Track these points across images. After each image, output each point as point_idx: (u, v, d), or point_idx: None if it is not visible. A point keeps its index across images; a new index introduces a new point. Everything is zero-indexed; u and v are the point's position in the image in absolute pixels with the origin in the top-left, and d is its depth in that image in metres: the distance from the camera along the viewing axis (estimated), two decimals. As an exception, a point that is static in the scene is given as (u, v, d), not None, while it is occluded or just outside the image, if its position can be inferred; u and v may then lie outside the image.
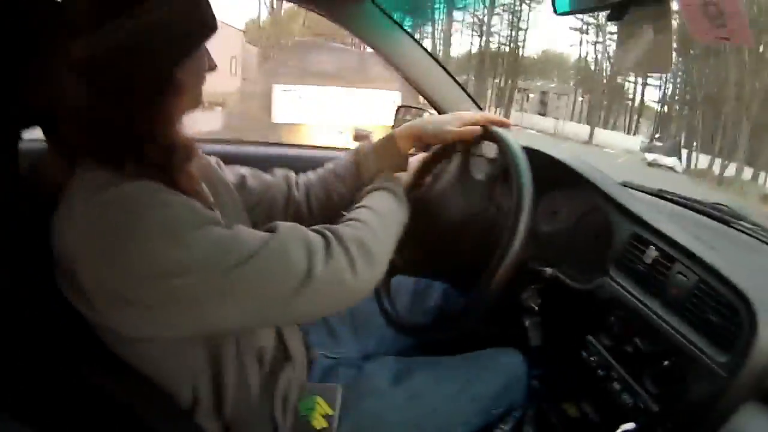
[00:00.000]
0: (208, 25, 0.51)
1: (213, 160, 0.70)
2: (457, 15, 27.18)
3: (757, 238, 0.87)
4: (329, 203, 0.78)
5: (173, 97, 0.49)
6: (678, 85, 23.69)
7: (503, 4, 26.28)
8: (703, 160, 20.08)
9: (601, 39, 24.95)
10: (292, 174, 0.81)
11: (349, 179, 0.77)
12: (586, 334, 0.79)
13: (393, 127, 1.03)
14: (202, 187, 0.59)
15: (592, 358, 0.77)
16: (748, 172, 18.94)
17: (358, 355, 0.81)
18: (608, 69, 24.91)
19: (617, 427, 0.69)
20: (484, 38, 26.69)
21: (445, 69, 1.17)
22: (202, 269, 0.45)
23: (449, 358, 0.79)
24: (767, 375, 0.62)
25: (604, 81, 25.36)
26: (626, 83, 25.78)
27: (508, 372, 0.80)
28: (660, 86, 24.26)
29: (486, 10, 26.64)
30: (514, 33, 26.10)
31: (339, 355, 0.78)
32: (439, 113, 1.08)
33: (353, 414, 0.67)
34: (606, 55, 24.63)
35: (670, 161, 16.32)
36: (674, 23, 0.64)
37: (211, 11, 0.51)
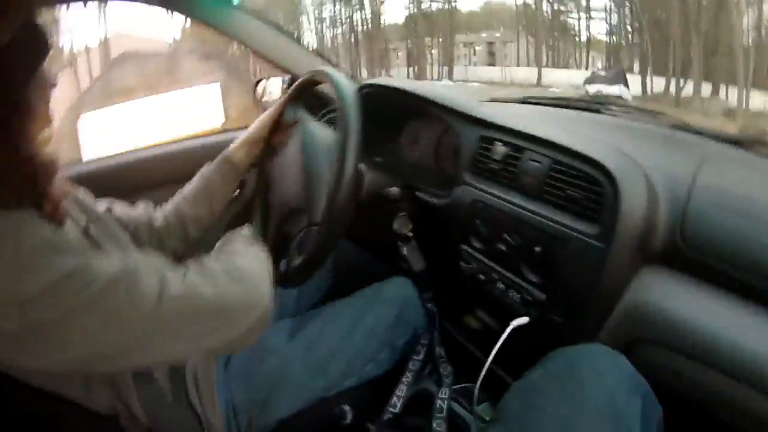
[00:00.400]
0: (47, 42, 0.51)
1: (81, 190, 0.70)
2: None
3: (626, 118, 0.91)
4: (185, 232, 0.81)
5: (24, 118, 0.49)
6: (623, 14, 22.81)
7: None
8: (659, 84, 19.31)
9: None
10: (151, 208, 0.83)
11: (203, 203, 0.81)
12: (459, 244, 0.82)
13: (257, 103, 1.19)
14: (69, 213, 0.59)
15: (470, 266, 0.81)
16: (707, 89, 18.17)
17: None
18: (549, 9, 23.92)
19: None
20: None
21: (285, 33, 1.18)
22: (58, 298, 0.44)
23: (338, 302, 0.81)
24: (647, 237, 0.66)
25: (549, 20, 24.33)
26: (570, 20, 24.92)
27: (399, 301, 0.81)
28: (605, 18, 23.42)
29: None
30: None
31: None
32: (294, 78, 1.09)
33: (255, 376, 0.69)
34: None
35: (615, 89, 15.37)
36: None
37: (47, 30, 0.51)
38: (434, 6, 25.51)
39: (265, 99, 1.22)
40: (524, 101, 1.04)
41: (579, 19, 24.33)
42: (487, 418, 0.75)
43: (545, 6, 24.25)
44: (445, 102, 0.87)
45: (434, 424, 0.72)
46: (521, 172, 0.74)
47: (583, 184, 0.67)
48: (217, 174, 0.82)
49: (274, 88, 1.20)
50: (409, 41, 25.43)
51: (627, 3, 21.83)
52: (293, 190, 0.77)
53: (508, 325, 0.71)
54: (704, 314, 0.62)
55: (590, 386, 0.56)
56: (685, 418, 0.60)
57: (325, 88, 0.87)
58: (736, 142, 0.79)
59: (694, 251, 0.65)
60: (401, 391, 0.77)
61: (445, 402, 0.75)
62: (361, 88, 0.95)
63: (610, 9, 22.30)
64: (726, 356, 0.59)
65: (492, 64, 24.03)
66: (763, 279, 0.60)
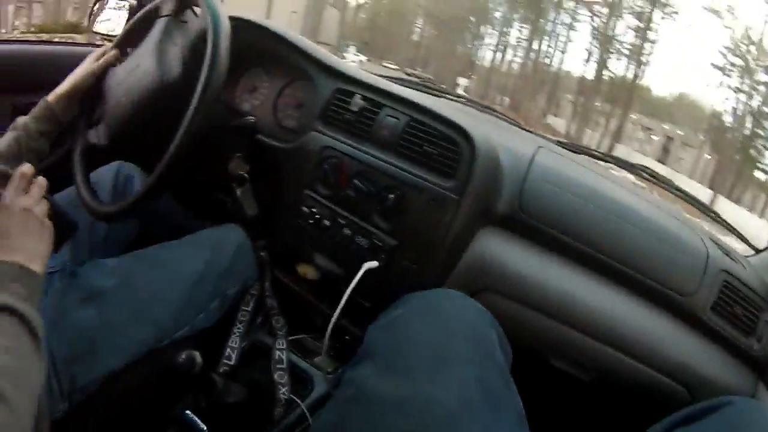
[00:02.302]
0: None
1: None
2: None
3: (463, 103, 1.08)
4: None
5: None
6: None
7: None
8: None
9: (746, 86, 20.81)
10: None
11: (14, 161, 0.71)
12: (302, 189, 0.82)
13: (89, 26, 1.07)
14: None
15: (314, 211, 0.80)
16: None
17: (72, 262, 0.72)
18: (749, 125, 20.71)
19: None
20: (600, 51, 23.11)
21: None
22: None
23: (165, 245, 0.76)
24: (492, 199, 0.76)
25: (741, 140, 21.18)
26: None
27: (229, 248, 0.77)
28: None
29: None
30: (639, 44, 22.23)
31: (53, 267, 0.69)
32: None
33: (72, 326, 0.64)
34: (749, 108, 20.50)
35: None
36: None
37: None
38: (622, 72, 23.24)
39: (101, 23, 1.09)
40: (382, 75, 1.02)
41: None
42: (330, 369, 0.75)
43: (744, 122, 21.05)
44: (308, 49, 0.87)
45: (276, 376, 0.71)
46: (377, 125, 0.77)
47: (441, 142, 0.73)
48: (33, 125, 0.74)
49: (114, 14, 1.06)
50: (581, 97, 23.42)
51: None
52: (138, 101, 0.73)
53: (353, 271, 0.73)
54: (537, 269, 0.76)
55: (455, 318, 0.58)
56: (524, 364, 0.66)
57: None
58: (559, 143, 1.01)
59: (530, 218, 0.77)
60: (234, 342, 0.74)
61: (284, 353, 0.74)
62: (231, 17, 0.82)
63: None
64: (555, 303, 0.74)
65: (662, 161, 21.52)
66: (586, 244, 0.76)
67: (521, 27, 28.40)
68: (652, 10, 22.05)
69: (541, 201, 0.77)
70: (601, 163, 1.04)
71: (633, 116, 22.88)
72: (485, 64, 31.97)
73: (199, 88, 0.65)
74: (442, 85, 1.04)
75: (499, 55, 30.72)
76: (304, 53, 0.87)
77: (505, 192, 0.76)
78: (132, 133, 0.75)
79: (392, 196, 0.73)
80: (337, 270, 0.81)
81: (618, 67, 23.52)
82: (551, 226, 0.76)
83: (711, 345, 0.77)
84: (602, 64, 23.80)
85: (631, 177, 1.05)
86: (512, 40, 29.56)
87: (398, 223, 0.73)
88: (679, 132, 22.41)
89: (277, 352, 0.74)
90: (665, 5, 22.00)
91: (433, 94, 1.06)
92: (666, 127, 22.76)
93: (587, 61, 24.37)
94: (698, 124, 23.06)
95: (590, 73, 24.11)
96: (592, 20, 23.80)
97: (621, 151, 21.31)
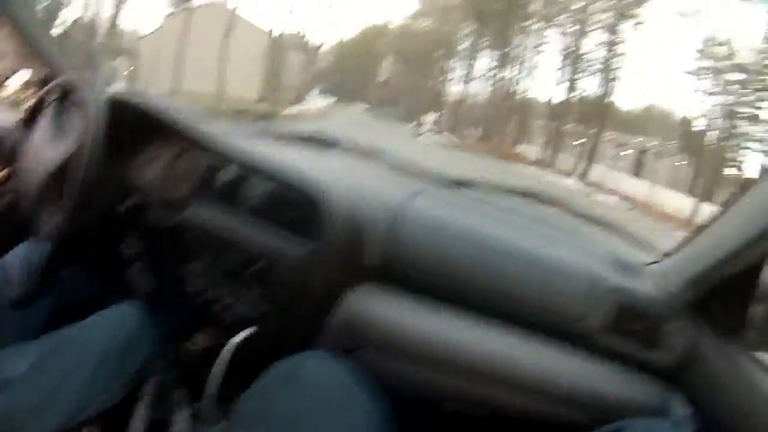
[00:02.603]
0: None
1: None
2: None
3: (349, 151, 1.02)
4: None
5: None
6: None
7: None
8: None
9: (718, 88, 20.70)
10: None
11: None
12: (184, 265, 0.84)
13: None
14: None
15: (195, 286, 0.82)
16: None
17: None
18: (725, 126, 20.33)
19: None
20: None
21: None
22: None
23: (75, 326, 0.78)
24: (358, 254, 0.76)
25: (716, 143, 20.89)
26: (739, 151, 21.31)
27: (130, 325, 0.79)
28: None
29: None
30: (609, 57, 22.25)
31: None
32: (53, 73, 0.98)
33: None
34: (724, 109, 20.24)
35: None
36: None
37: None
38: (593, 90, 23.35)
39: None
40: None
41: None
42: None
43: (718, 124, 20.79)
44: (182, 124, 0.89)
45: None
46: (245, 195, 0.80)
47: (302, 205, 0.75)
48: None
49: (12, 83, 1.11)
50: (553, 122, 23.53)
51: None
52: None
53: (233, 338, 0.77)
54: (414, 320, 0.75)
55: (312, 382, 0.59)
56: (416, 411, 0.70)
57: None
58: (452, 182, 0.98)
59: (404, 266, 0.77)
60: (138, 420, 0.76)
61: (186, 424, 0.78)
62: (109, 99, 0.87)
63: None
64: (434, 352, 0.74)
65: (637, 173, 21.40)
66: (464, 286, 0.77)
67: (491, 55, 28.79)
68: (620, 21, 22.42)
69: (414, 248, 0.78)
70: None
71: (608, 134, 22.88)
72: (455, 98, 32.31)
73: (72, 176, 0.71)
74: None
75: (468, 86, 31.09)
76: (179, 128, 0.89)
77: (372, 244, 0.77)
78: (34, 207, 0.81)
79: (258, 266, 0.75)
80: (223, 339, 0.82)
81: (589, 85, 23.77)
82: (426, 273, 0.78)
83: (611, 366, 0.76)
84: (572, 84, 24.03)
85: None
86: (481, 69, 29.91)
87: (270, 291, 0.75)
88: (652, 143, 22.48)
89: (179, 425, 0.77)
90: (633, 16, 22.40)
91: (330, 147, 1.06)
92: (640, 140, 22.82)
93: (558, 84, 24.64)
94: (670, 132, 23.11)
95: (561, 96, 24.36)
96: (563, 38, 24.14)
97: (598, 170, 21.21)
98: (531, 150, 23.95)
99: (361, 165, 1.01)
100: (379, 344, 0.75)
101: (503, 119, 25.32)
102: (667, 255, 0.88)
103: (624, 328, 0.75)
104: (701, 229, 0.77)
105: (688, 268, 0.77)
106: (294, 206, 0.74)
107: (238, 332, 0.75)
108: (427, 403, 0.79)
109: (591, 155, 22.17)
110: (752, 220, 0.66)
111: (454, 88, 33.26)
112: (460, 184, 0.98)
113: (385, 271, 0.77)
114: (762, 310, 0.75)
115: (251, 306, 0.76)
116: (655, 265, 0.88)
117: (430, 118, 21.97)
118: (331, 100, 30.56)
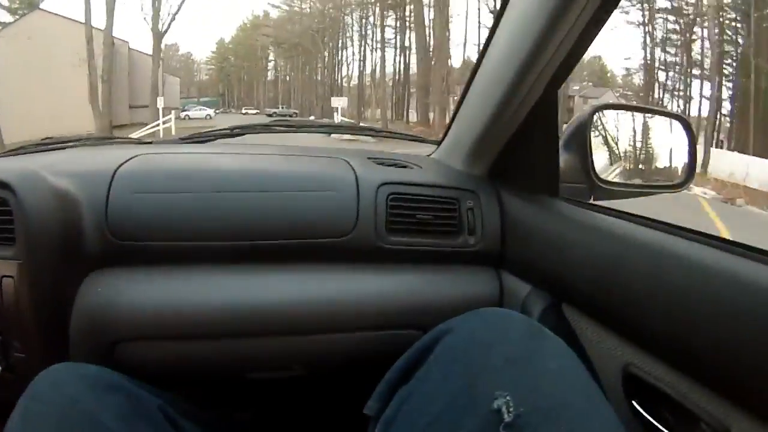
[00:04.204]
0: None
1: None
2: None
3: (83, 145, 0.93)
4: None
5: None
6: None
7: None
8: None
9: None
10: None
11: None
12: None
13: None
14: None
15: None
16: None
17: None
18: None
19: None
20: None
21: None
22: None
23: None
24: (75, 244, 0.66)
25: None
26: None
27: None
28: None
29: None
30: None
31: None
32: None
33: None
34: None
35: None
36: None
37: None
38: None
39: None
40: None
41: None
42: None
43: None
44: None
45: None
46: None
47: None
48: None
49: None
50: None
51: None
52: None
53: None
54: (161, 294, 0.66)
55: (42, 399, 0.53)
56: (219, 389, 0.64)
57: None
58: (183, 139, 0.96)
59: (131, 240, 0.67)
60: None
61: None
62: None
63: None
64: (196, 322, 0.65)
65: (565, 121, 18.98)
66: (208, 239, 0.68)
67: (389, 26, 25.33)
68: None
69: (134, 217, 0.68)
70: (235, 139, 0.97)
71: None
72: (352, 83, 28.72)
73: None
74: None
75: (364, 66, 27.63)
76: None
77: (89, 227, 0.66)
78: None
79: None
80: None
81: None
82: (156, 239, 0.68)
83: (421, 268, 0.71)
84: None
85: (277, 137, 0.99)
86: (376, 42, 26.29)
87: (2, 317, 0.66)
88: (582, 88, 20.13)
89: None
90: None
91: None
92: (575, 88, 20.43)
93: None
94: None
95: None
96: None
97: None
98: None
99: (90, 156, 0.85)
100: (127, 335, 0.65)
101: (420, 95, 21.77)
102: (438, 144, 0.90)
103: (407, 221, 0.70)
104: (454, 117, 0.79)
105: (463, 148, 0.77)
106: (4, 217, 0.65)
107: None
108: (230, 377, 0.72)
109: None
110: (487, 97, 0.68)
111: (352, 72, 29.53)
112: (184, 139, 0.95)
113: (113, 251, 0.66)
114: (565, 160, 0.70)
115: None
116: (436, 151, 0.89)
117: (338, 103, 18.51)
118: (211, 112, 27.01)
